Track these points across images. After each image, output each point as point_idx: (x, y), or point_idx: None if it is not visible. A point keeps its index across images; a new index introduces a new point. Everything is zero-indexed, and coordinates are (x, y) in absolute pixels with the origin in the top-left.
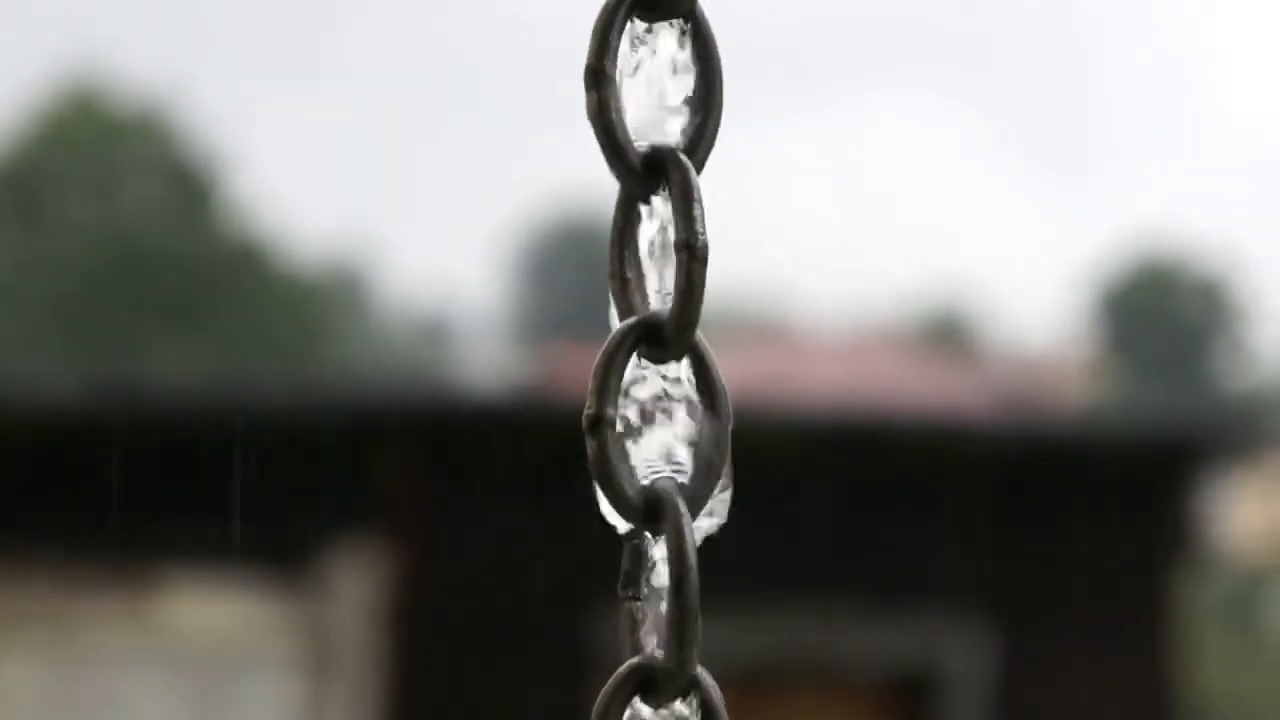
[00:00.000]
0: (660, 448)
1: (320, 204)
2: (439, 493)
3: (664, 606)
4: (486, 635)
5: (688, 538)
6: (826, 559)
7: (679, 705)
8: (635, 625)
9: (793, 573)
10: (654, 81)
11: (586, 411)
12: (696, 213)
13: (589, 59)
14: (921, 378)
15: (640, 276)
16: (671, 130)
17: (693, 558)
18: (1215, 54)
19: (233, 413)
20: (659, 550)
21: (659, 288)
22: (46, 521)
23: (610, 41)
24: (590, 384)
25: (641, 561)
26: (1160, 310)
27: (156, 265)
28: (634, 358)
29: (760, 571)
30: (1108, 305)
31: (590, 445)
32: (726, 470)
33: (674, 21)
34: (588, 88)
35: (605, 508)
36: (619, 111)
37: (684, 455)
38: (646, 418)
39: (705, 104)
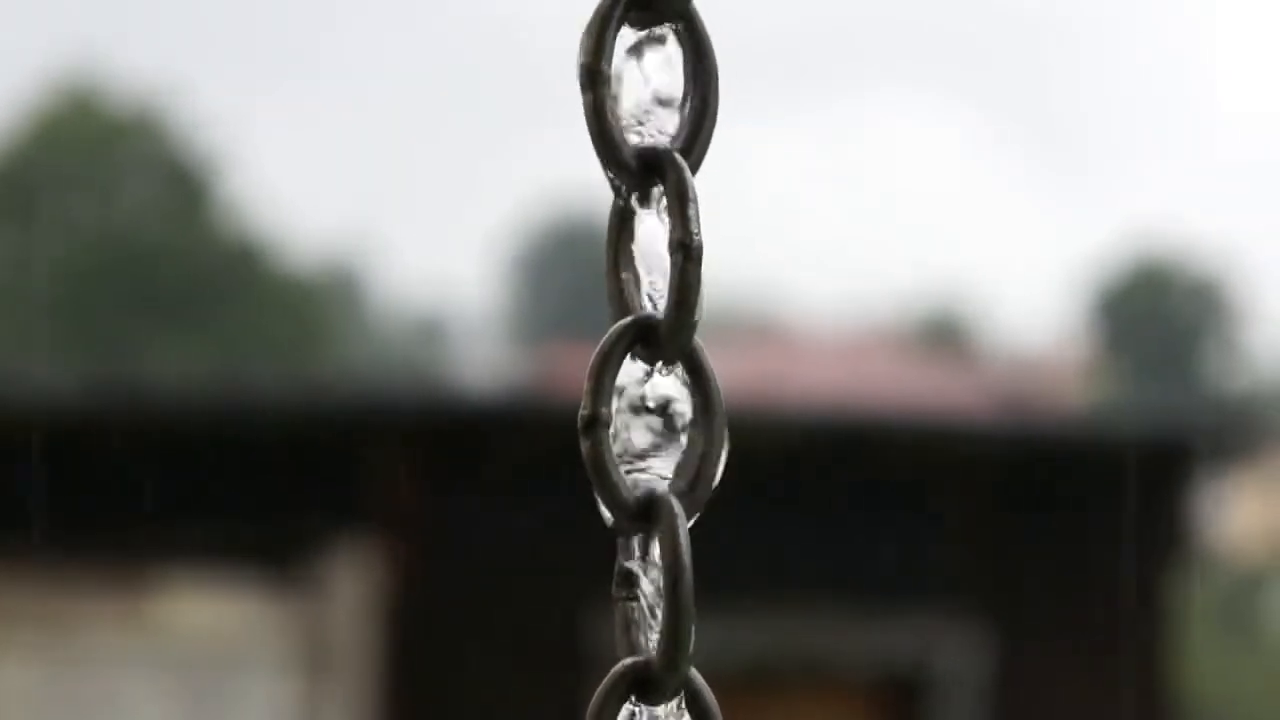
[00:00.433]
0: (655, 448)
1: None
2: (436, 493)
3: (659, 607)
4: (482, 635)
5: (682, 538)
6: (822, 559)
7: (673, 706)
8: (630, 625)
9: (788, 573)
10: (649, 81)
11: (581, 412)
12: (692, 213)
13: (584, 59)
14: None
15: (636, 277)
16: (667, 130)
17: (687, 558)
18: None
19: (230, 413)
20: (654, 551)
21: (654, 288)
22: (42, 521)
23: (605, 41)
24: (585, 384)
25: (636, 562)
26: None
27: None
28: (629, 358)
29: (755, 571)
30: (1105, 305)
31: (585, 446)
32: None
33: (669, 21)
34: (583, 87)
35: (603, 508)
36: (614, 111)
37: (680, 456)
38: (642, 418)
39: (701, 104)
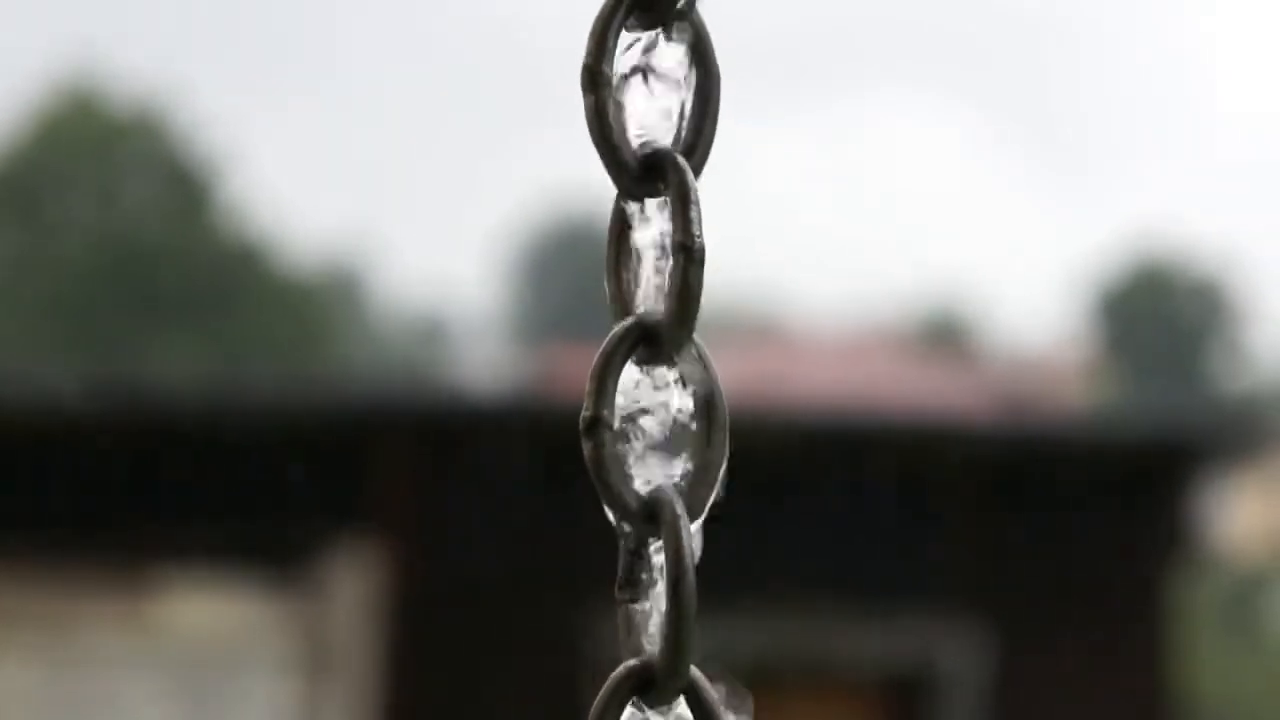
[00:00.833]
0: (658, 449)
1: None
2: (436, 493)
3: (661, 608)
4: (483, 635)
5: (685, 539)
6: (823, 559)
7: (676, 706)
8: (632, 627)
9: (789, 573)
10: (651, 83)
11: (584, 413)
12: (694, 215)
13: (586, 60)
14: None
15: (637, 278)
16: (669, 132)
17: (690, 560)
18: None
19: (230, 413)
20: (656, 551)
21: (656, 290)
22: (43, 521)
23: (608, 43)
24: (587, 386)
25: (639, 563)
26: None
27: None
28: (631, 360)
29: (756, 572)
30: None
31: (587, 447)
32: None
33: (671, 23)
34: (585, 89)
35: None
36: (616, 113)
37: (681, 457)
38: (644, 420)
39: (703, 106)
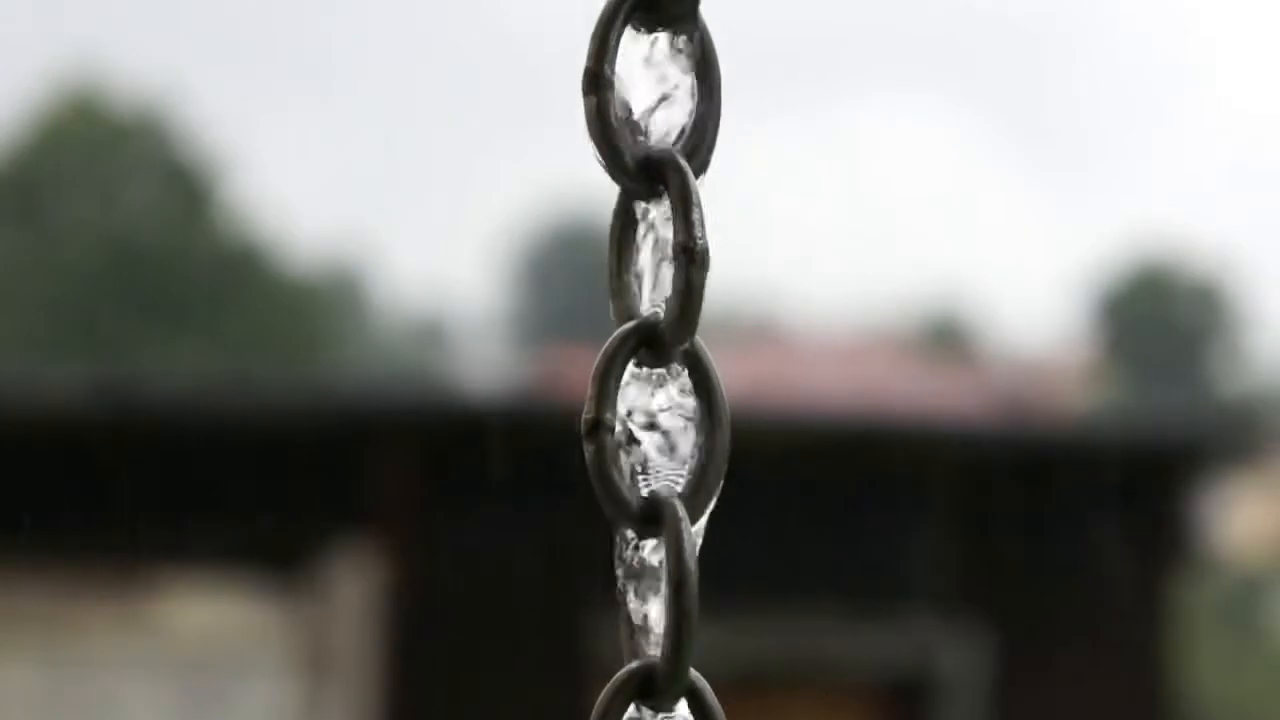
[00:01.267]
0: (658, 452)
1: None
2: (436, 495)
3: (662, 610)
4: (483, 638)
5: (686, 542)
6: (823, 562)
7: (677, 709)
8: (633, 629)
9: (789, 575)
10: (653, 85)
11: (584, 415)
12: (695, 217)
13: (587, 62)
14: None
15: (639, 280)
16: (670, 134)
17: (691, 562)
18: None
19: (231, 415)
20: (657, 554)
21: (658, 292)
22: (44, 522)
23: (609, 44)
24: (589, 388)
25: (639, 565)
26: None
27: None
28: (632, 362)
29: (755, 575)
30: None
31: (588, 449)
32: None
33: (673, 24)
34: (586, 91)
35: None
36: (617, 115)
37: (682, 459)
38: (645, 422)
39: (705, 107)
